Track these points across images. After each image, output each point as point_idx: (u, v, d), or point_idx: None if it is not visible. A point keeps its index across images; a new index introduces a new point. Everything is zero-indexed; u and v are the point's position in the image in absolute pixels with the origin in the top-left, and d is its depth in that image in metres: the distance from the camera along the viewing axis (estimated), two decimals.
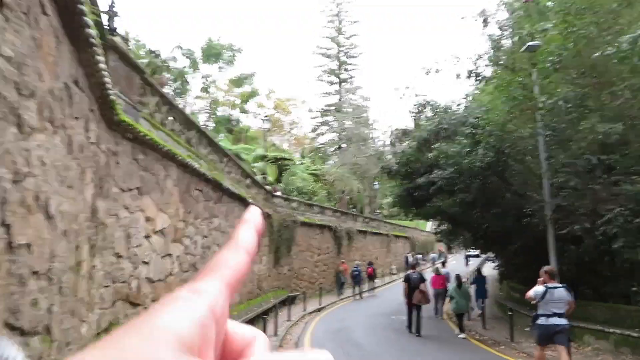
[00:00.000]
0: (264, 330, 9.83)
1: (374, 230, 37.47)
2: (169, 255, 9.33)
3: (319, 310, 19.42)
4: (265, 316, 10.41)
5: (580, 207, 11.18)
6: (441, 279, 17.63)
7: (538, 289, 7.59)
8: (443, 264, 21.67)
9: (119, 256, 7.09)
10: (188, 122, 10.87)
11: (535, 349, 8.15)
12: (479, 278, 18.27)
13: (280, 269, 20.65)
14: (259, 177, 21.47)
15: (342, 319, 16.80)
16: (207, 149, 12.42)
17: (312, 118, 70.49)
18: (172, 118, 9.95)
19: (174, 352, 0.28)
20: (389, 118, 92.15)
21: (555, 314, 7.39)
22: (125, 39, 7.61)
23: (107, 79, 5.35)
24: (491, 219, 15.06)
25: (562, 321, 7.39)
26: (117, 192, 7.03)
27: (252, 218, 0.40)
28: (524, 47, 13.37)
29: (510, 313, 12.96)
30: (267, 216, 18.56)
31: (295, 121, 74.17)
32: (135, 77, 7.83)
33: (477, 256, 42.43)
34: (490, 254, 37.42)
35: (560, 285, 7.62)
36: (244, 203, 15.67)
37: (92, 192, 5.68)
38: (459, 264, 38.55)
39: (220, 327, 0.34)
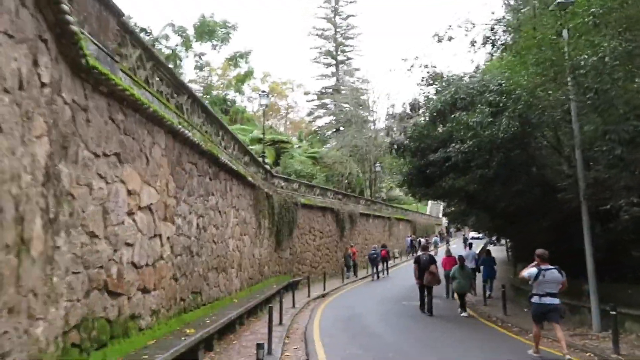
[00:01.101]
0: (269, 320, 8.52)
1: (376, 213, 36.29)
2: (158, 236, 7.99)
3: (323, 296, 18.25)
4: (270, 304, 9.13)
5: (622, 179, 9.91)
6: (452, 260, 17.19)
7: (532, 270, 8.19)
8: (470, 245, 20.74)
9: (93, 236, 5.75)
10: (178, 85, 9.44)
11: (532, 325, 8.59)
12: (487, 259, 17.76)
13: (281, 253, 19.40)
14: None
15: (350, 305, 15.58)
16: (201, 119, 11.02)
17: (308, 101, 68.77)
18: (158, 78, 8.54)
19: None
20: (394, 97, 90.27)
21: (547, 294, 8.03)
22: None
23: None
24: (513, 197, 13.77)
25: (555, 300, 8.07)
26: (88, 156, 5.67)
27: None
28: (554, 4, 12.03)
29: None
30: (267, 197, 17.21)
31: (291, 105, 72.63)
32: (110, 19, 6.41)
33: (479, 239, 41.36)
34: (494, 237, 36.34)
35: (553, 267, 8.14)
36: (243, 181, 14.31)
37: (48, 150, 4.33)
38: (459, 247, 37.68)
39: None
